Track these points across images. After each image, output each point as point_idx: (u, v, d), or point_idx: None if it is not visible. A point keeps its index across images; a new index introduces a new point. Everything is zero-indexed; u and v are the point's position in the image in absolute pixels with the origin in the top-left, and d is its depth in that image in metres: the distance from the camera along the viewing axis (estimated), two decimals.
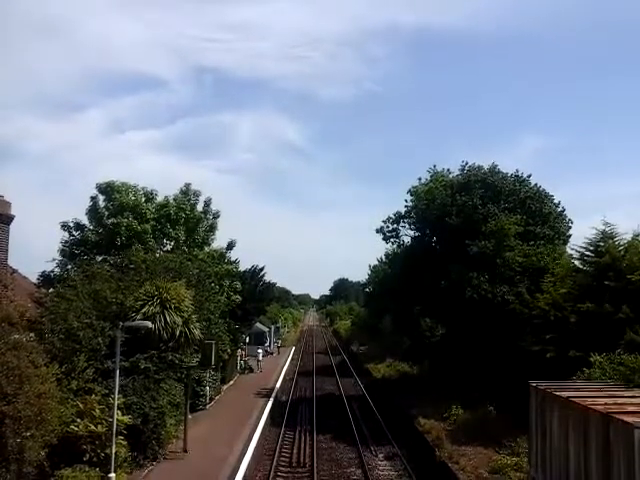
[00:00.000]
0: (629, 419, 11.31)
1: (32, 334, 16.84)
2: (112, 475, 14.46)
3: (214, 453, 21.20)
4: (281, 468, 22.57)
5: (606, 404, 13.02)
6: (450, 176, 39.72)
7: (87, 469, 15.25)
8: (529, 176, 36.67)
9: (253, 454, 22.18)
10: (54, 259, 29.88)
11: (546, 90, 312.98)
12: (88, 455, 15.80)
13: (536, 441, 16.31)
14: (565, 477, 13.97)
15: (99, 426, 16.23)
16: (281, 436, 27.44)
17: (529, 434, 17.20)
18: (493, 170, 36.65)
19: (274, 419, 30.98)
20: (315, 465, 22.46)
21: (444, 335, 37.72)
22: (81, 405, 16.70)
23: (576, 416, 13.45)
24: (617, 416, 11.68)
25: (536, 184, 36.10)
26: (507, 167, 37.28)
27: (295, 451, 25.03)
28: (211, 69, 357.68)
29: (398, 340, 54.50)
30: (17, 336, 14.08)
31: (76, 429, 15.95)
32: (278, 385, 41.84)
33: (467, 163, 38.44)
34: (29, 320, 17.74)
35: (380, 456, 24.69)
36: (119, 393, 16.39)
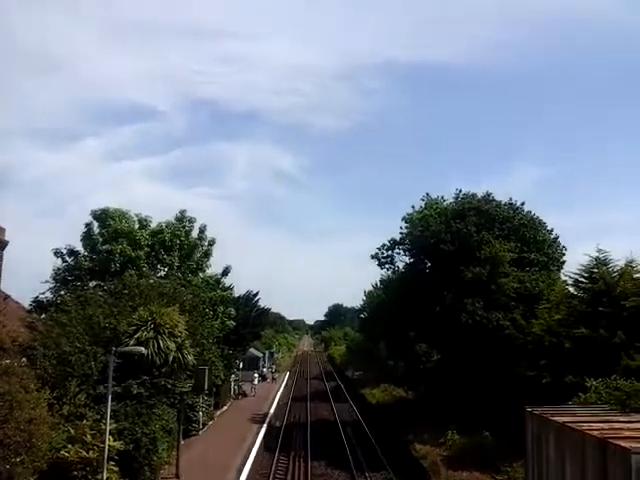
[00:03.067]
0: (626, 444, 11.25)
1: (24, 359, 16.73)
2: None
3: (207, 479, 20.91)
4: None
5: (602, 429, 12.95)
6: (444, 204, 40.09)
7: None
8: (522, 204, 37.08)
9: None
10: (47, 281, 29.79)
11: (541, 120, 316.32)
12: None
13: (532, 466, 16.17)
14: None
15: (90, 452, 16.01)
16: (275, 462, 27.09)
17: (525, 459, 17.06)
18: (487, 198, 37.00)
19: (268, 444, 30.62)
20: None
21: (439, 360, 37.60)
22: (72, 431, 16.51)
23: (572, 441, 13.37)
24: (613, 441, 11.62)
25: (530, 211, 36.46)
26: (501, 196, 37.54)
27: (289, 477, 24.71)
28: (207, 100, 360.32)
29: (393, 365, 54.33)
30: (8, 361, 14.00)
31: (67, 455, 15.73)
32: (272, 410, 41.47)
33: (461, 191, 38.89)
34: (21, 345, 17.64)
35: None
36: (111, 418, 16.21)
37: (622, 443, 11.37)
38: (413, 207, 41.19)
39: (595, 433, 12.48)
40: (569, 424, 13.86)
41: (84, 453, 15.93)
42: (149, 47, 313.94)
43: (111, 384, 15.91)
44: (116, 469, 16.74)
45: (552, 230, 36.08)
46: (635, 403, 17.05)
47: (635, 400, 17.25)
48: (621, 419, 15.04)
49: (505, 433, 22.68)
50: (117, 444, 16.91)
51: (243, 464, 23.80)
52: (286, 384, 65.23)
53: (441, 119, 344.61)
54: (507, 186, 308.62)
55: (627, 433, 12.53)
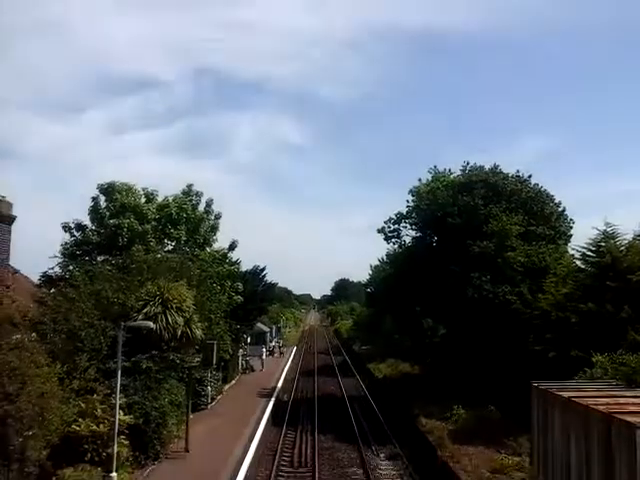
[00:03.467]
0: (631, 419, 11.30)
1: (34, 334, 16.86)
2: (114, 474, 14.49)
3: (216, 453, 21.20)
4: (283, 468, 22.57)
5: (608, 404, 13.01)
6: (451, 176, 39.83)
7: (89, 468, 15.27)
8: (530, 176, 36.81)
9: (255, 453, 22.18)
10: (56, 256, 29.90)
11: (548, 91, 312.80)
12: (90, 454, 15.83)
13: (538, 441, 16.30)
14: (567, 477, 13.97)
15: (101, 426, 16.26)
16: (283, 436, 27.44)
17: (531, 434, 17.20)
18: (494, 170, 36.74)
19: (276, 419, 30.98)
20: (317, 465, 22.47)
21: (445, 335, 37.70)
22: (83, 405, 16.74)
23: (578, 416, 13.45)
24: (619, 416, 11.67)
25: (537, 184, 36.21)
26: (507, 168, 37.28)
27: (297, 451, 25.02)
28: (211, 69, 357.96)
29: (399, 340, 54.53)
30: (19, 336, 14.12)
31: (78, 429, 15.98)
32: (280, 385, 41.85)
33: (468, 163, 38.66)
34: (31, 320, 17.78)
35: (382, 456, 24.67)
36: (121, 393, 16.41)
37: (627, 418, 11.42)
38: (420, 180, 40.92)
39: (600, 408, 12.54)
40: (575, 399, 13.92)
41: (95, 427, 16.18)
42: (152, 14, 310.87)
43: (120, 359, 16.08)
44: (126, 443, 17.00)
45: (560, 203, 35.89)
46: None
47: None
48: (627, 394, 15.09)
49: (511, 408, 22.81)
50: (127, 418, 17.15)
51: (252, 438, 24.09)
52: (293, 359, 65.76)
53: (447, 86, 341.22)
54: (514, 157, 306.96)
55: (632, 408, 12.58)
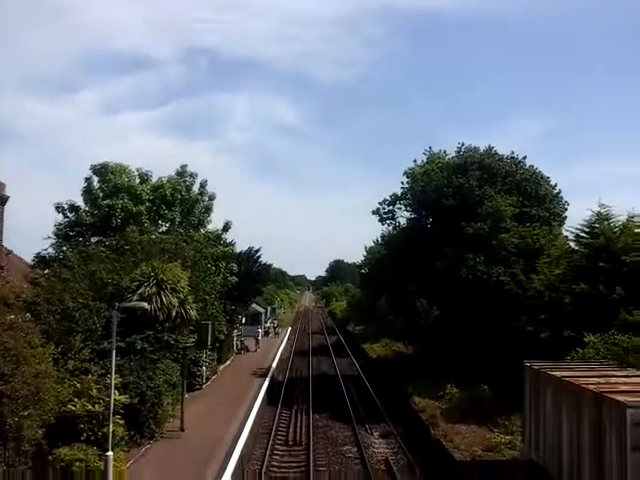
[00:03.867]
0: (621, 398, 11.44)
1: (28, 314, 16.87)
2: (110, 453, 14.53)
3: (211, 432, 21.34)
4: (277, 446, 22.79)
5: (599, 383, 13.15)
6: (446, 158, 39.74)
7: (85, 447, 15.31)
8: (524, 158, 36.76)
9: (250, 432, 22.34)
10: (49, 237, 29.79)
11: (541, 73, 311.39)
12: (85, 434, 15.87)
13: (530, 420, 16.49)
14: (558, 455, 14.16)
15: (96, 405, 16.30)
16: (277, 415, 27.65)
17: (523, 413, 17.40)
18: (489, 152, 36.67)
19: (270, 398, 31.19)
20: (311, 443, 22.69)
21: (439, 316, 37.83)
22: (78, 385, 16.78)
23: (569, 395, 13.60)
24: (609, 395, 11.81)
25: (532, 166, 36.17)
26: (502, 150, 37.20)
27: (291, 430, 25.24)
28: (206, 49, 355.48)
29: (394, 321, 54.77)
30: (13, 316, 14.12)
31: (73, 408, 16.02)
32: (274, 365, 42.06)
33: (463, 145, 38.54)
34: (25, 301, 17.79)
35: (375, 434, 24.93)
36: (116, 373, 16.45)
37: (618, 397, 11.56)
38: (415, 161, 40.84)
39: (591, 387, 12.67)
40: (566, 378, 14.07)
41: (90, 407, 16.21)
42: None
43: (115, 339, 16.09)
44: (122, 422, 17.04)
45: (555, 185, 35.88)
46: (632, 358, 17.28)
47: (632, 355, 17.48)
48: (618, 374, 15.25)
49: (503, 387, 23.01)
50: (122, 398, 17.19)
51: (246, 417, 24.24)
52: (288, 339, 66.05)
53: (443, 68, 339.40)
54: (508, 138, 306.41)
55: (623, 387, 12.73)
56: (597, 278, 23.28)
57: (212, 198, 33.75)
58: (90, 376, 17.24)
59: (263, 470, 19.43)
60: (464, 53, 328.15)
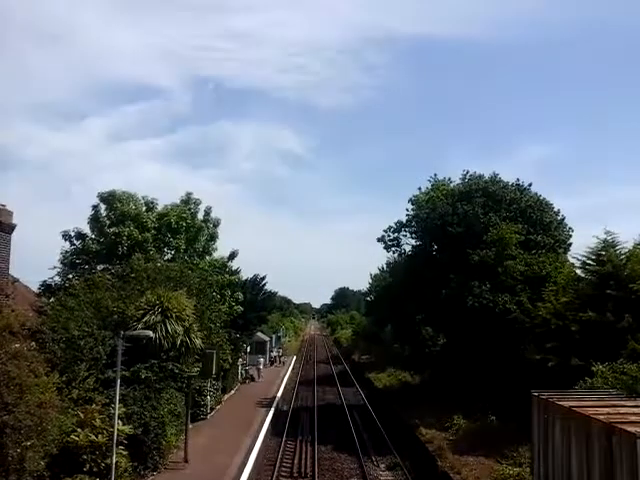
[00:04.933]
0: (631, 429, 11.27)
1: (33, 343, 16.81)
2: None
3: (215, 463, 21.11)
4: (282, 478, 22.49)
5: (608, 414, 12.97)
6: (451, 185, 39.99)
7: (88, 479, 15.17)
8: (530, 185, 36.96)
9: (254, 464, 22.09)
10: (55, 267, 29.93)
11: (547, 99, 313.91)
12: (88, 465, 15.70)
13: (538, 451, 16.24)
14: None
15: (100, 436, 16.16)
16: (282, 446, 27.33)
17: (531, 444, 17.13)
18: (494, 179, 36.85)
19: (275, 429, 30.86)
20: (316, 475, 22.38)
21: (445, 344, 37.63)
22: (82, 415, 16.64)
23: (578, 426, 13.40)
24: (619, 426, 11.64)
25: (536, 193, 36.35)
26: (507, 177, 37.48)
27: (296, 461, 24.90)
28: (211, 78, 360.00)
29: (399, 349, 54.40)
30: (18, 345, 14.06)
31: (76, 439, 15.87)
32: (279, 395, 41.69)
33: (468, 172, 38.77)
34: (30, 329, 17.74)
35: (382, 466, 24.58)
36: (120, 403, 16.34)
37: (628, 428, 11.39)
38: (420, 188, 41.17)
39: (601, 418, 12.50)
40: (575, 409, 13.88)
41: (93, 437, 16.07)
42: (152, 24, 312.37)
43: (120, 368, 16.01)
44: (125, 453, 16.90)
45: (559, 211, 35.97)
46: None
47: None
48: (627, 404, 15.06)
49: (511, 417, 22.75)
50: (126, 428, 17.05)
51: (251, 448, 23.99)
52: (293, 368, 65.56)
53: (446, 95, 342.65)
54: (512, 166, 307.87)
55: (633, 418, 12.54)
56: (604, 306, 23.11)
57: (217, 225, 33.90)
58: (94, 405, 17.11)
59: None
60: (469, 78, 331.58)
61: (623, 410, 13.74)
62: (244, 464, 21.34)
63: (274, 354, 67.26)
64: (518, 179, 37.16)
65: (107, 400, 17.28)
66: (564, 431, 14.26)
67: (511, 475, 19.70)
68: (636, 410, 13.84)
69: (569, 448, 13.84)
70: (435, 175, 41.94)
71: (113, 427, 15.27)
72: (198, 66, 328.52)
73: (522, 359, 24.80)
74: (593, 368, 19.82)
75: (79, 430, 16.14)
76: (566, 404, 14.56)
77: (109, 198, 31.16)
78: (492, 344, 28.13)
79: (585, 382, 19.45)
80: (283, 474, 23.09)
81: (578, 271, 27.58)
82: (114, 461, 14.83)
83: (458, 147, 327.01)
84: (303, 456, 25.71)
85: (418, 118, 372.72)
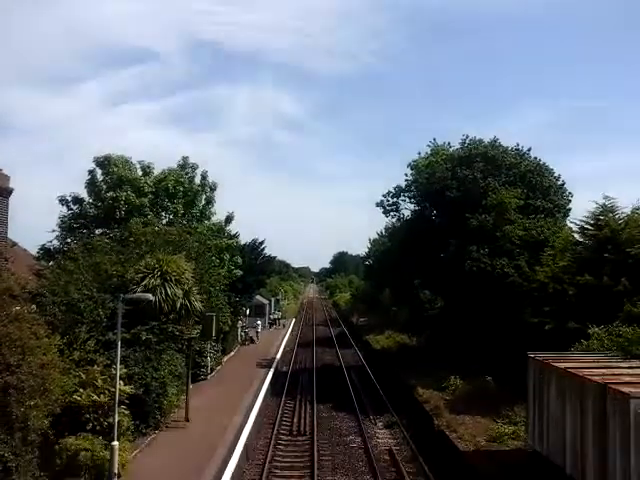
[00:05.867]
0: (625, 389, 11.46)
1: (33, 306, 16.91)
2: (115, 443, 14.64)
3: (216, 422, 21.46)
4: (282, 436, 22.90)
5: (603, 375, 13.17)
6: (450, 150, 39.66)
7: (90, 437, 15.44)
8: (529, 150, 36.62)
9: (254, 422, 22.45)
10: (54, 230, 29.91)
11: (548, 60, 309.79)
12: (91, 424, 15.97)
13: (534, 410, 16.53)
14: (562, 445, 14.20)
15: (102, 396, 16.38)
16: (282, 405, 27.76)
17: (527, 404, 17.43)
18: (494, 144, 36.53)
19: (275, 389, 31.30)
20: (315, 433, 22.79)
21: (443, 307, 37.92)
22: (83, 375, 16.85)
23: (573, 386, 13.62)
24: (613, 386, 11.83)
25: (536, 157, 36.04)
26: (508, 141, 37.09)
27: (295, 420, 25.33)
28: (208, 42, 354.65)
29: (397, 312, 54.85)
30: (18, 308, 14.15)
31: (79, 399, 16.11)
32: (279, 356, 42.18)
33: (467, 136, 38.38)
34: (30, 292, 17.85)
35: (379, 425, 25.02)
36: (121, 364, 16.53)
37: (622, 388, 11.58)
38: (419, 153, 40.87)
39: (596, 378, 12.70)
40: (570, 369, 14.09)
41: (96, 397, 16.30)
42: None
43: (120, 330, 16.15)
44: (127, 412, 17.15)
45: (559, 176, 35.75)
46: (636, 349, 17.27)
47: (637, 347, 17.46)
48: (622, 365, 15.27)
49: (507, 378, 23.04)
50: (127, 388, 17.27)
51: (251, 407, 24.36)
52: (292, 330, 66.15)
53: (444, 61, 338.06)
54: (514, 130, 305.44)
55: (627, 379, 12.74)
56: (602, 270, 23.24)
57: (213, 188, 33.68)
58: (95, 367, 17.32)
59: (267, 460, 19.50)
60: (470, 42, 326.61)
61: (618, 371, 13.95)
62: (244, 422, 21.70)
63: (274, 317, 67.79)
64: (518, 143, 36.84)
65: (108, 361, 17.47)
66: (559, 391, 14.49)
67: (506, 433, 20.08)
68: (630, 371, 14.05)
69: (564, 408, 14.09)
70: (434, 140, 41.57)
71: (115, 387, 15.48)
72: (195, 30, 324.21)
73: (519, 322, 25.02)
74: (589, 331, 20.04)
75: (81, 390, 16.37)
76: (562, 365, 14.78)
77: (105, 162, 30.93)
78: (490, 307, 28.33)
79: (581, 344, 19.69)
80: (283, 432, 23.52)
81: (576, 236, 27.65)
82: (116, 420, 15.05)
83: (458, 111, 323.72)
84: (302, 415, 26.15)
85: (418, 82, 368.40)
